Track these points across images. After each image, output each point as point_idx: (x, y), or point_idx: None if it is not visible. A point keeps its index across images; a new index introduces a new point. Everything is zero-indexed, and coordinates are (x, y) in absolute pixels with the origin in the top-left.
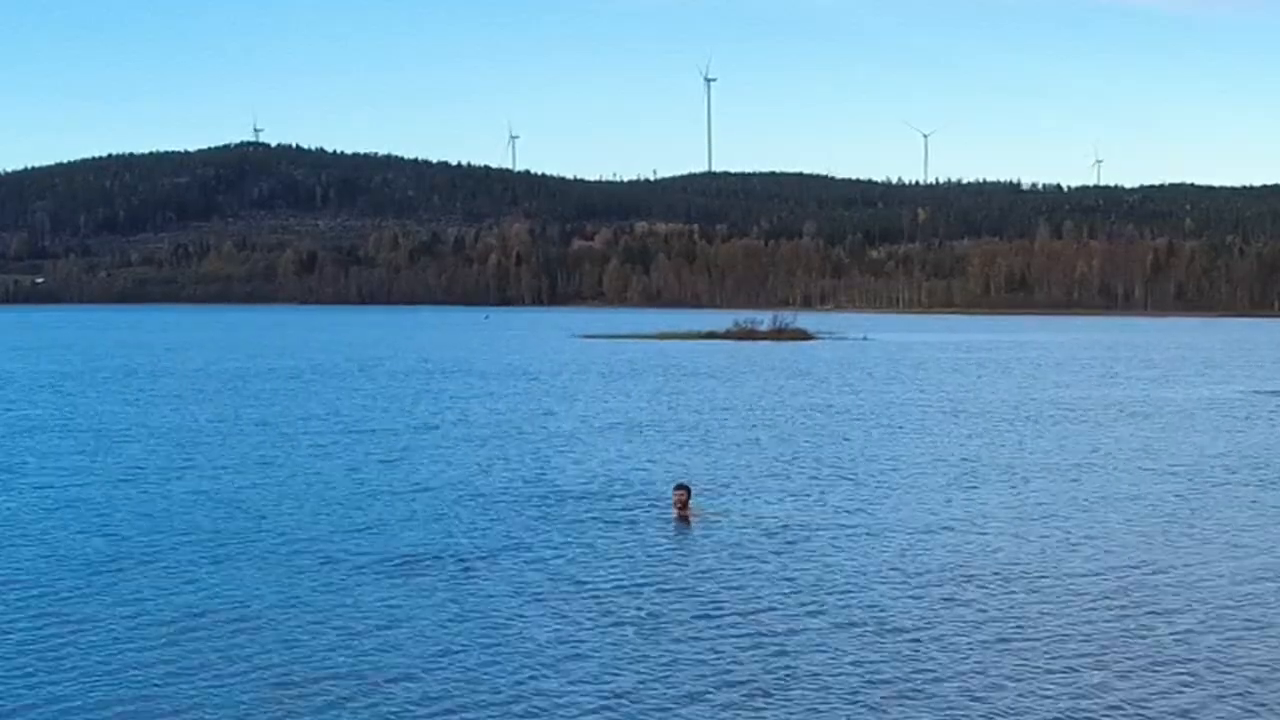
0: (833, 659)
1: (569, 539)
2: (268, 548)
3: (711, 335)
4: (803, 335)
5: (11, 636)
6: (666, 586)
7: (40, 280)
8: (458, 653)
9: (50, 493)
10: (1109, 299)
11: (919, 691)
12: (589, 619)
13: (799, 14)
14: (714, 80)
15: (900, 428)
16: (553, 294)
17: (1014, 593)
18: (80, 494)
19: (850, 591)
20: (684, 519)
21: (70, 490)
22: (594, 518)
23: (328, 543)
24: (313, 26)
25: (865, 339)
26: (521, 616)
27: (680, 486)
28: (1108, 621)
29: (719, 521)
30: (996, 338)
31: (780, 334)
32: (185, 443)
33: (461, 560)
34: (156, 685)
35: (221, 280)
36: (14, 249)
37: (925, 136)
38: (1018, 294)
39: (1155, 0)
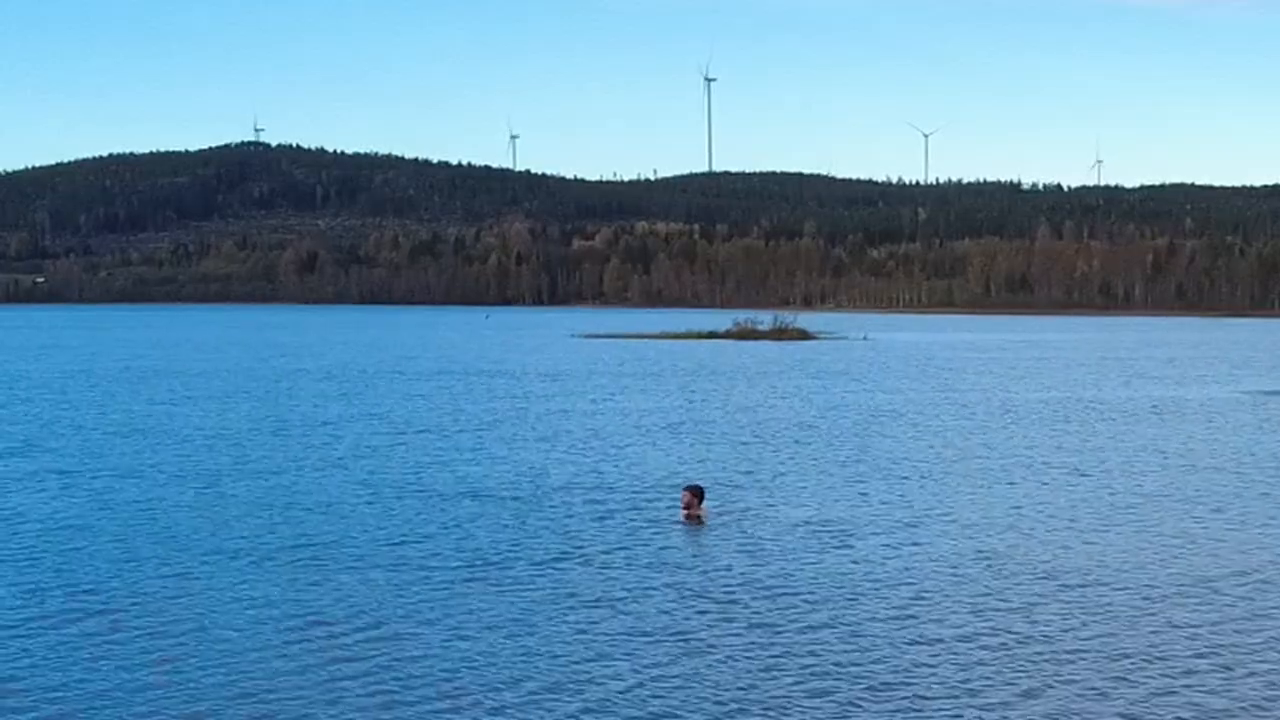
0: (925, 666)
1: (577, 543)
2: (340, 550)
3: (712, 335)
4: (803, 335)
5: (120, 642)
6: (680, 592)
7: (41, 280)
8: (527, 661)
9: (112, 495)
10: (1109, 299)
11: (1032, 695)
12: (604, 628)
13: (799, 13)
14: (714, 80)
15: (929, 426)
16: (553, 294)
17: (1106, 592)
18: (141, 496)
19: (916, 594)
20: (693, 519)
21: (131, 492)
22: (608, 519)
23: (386, 546)
24: (313, 26)
25: (866, 338)
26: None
27: (690, 488)
28: (1210, 621)
29: (731, 522)
30: (1004, 337)
31: (781, 334)
32: (237, 443)
33: (494, 565)
34: (274, 689)
35: (222, 280)
36: (14, 248)
37: (926, 136)
38: (1018, 294)
39: (1155, 0)
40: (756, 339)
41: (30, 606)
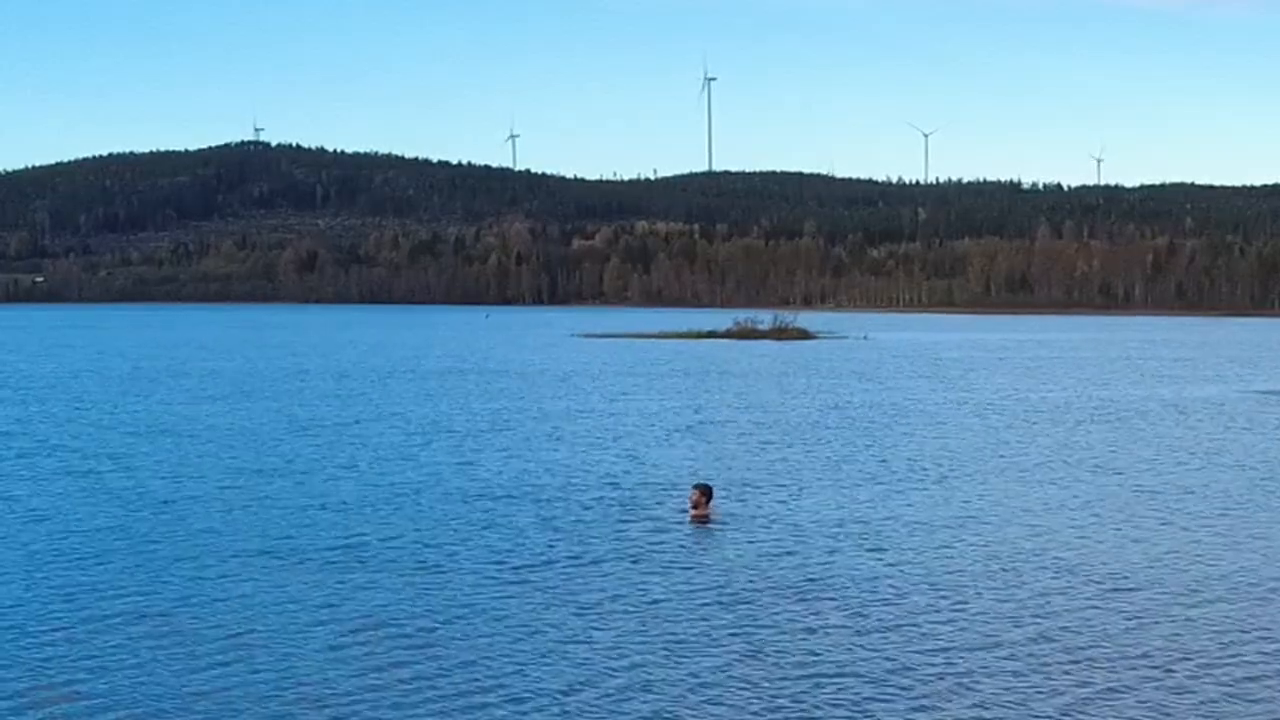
0: (978, 670)
1: (590, 544)
2: (365, 552)
3: (712, 335)
4: (803, 334)
5: (168, 646)
6: (697, 593)
7: (40, 279)
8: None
9: (142, 495)
10: (1109, 298)
11: (1093, 698)
12: (629, 631)
13: (799, 13)
14: (714, 80)
15: (943, 425)
16: (553, 293)
17: (1153, 594)
18: (176, 495)
19: (945, 594)
20: (700, 519)
21: (160, 492)
22: (620, 519)
23: (407, 548)
24: (313, 26)
25: (866, 338)
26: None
27: (699, 487)
28: (1267, 623)
29: (736, 522)
30: (1008, 336)
31: (781, 333)
32: (256, 444)
33: (513, 566)
34: (318, 691)
35: (221, 279)
36: (14, 248)
37: (926, 136)
38: (1018, 293)
39: (1155, 0)
40: (756, 338)
41: (71, 610)
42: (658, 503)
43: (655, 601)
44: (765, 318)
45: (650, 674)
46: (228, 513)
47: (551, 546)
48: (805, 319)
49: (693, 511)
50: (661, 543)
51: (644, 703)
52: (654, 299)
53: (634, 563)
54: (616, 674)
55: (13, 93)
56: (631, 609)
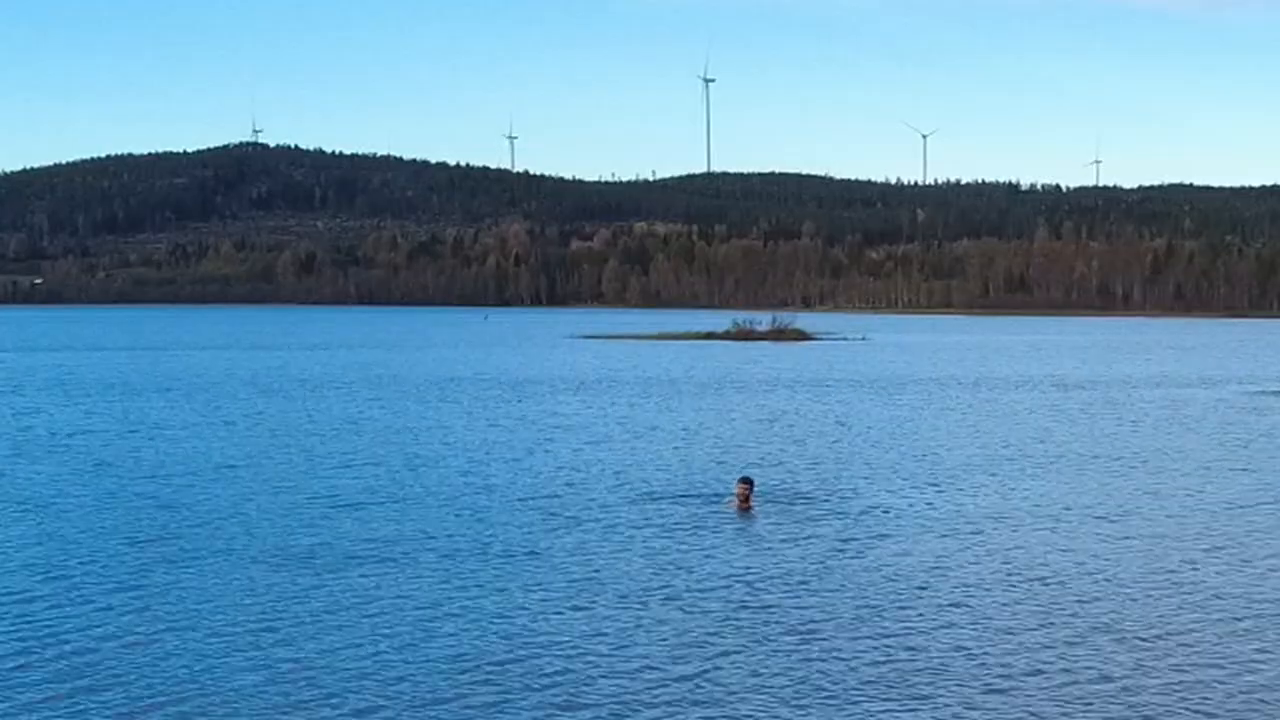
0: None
1: (640, 536)
2: (419, 547)
3: (710, 336)
4: (802, 336)
5: (245, 651)
6: (753, 582)
7: (39, 281)
8: (588, 653)
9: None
10: (1108, 299)
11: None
12: (677, 619)
13: (799, 13)
14: (713, 81)
15: (974, 428)
16: (551, 294)
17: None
18: (219, 495)
19: (988, 590)
20: (746, 510)
21: (212, 491)
22: (666, 516)
23: (449, 541)
24: (313, 26)
25: (864, 339)
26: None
27: (744, 480)
28: None
29: (782, 511)
30: (1016, 339)
31: (779, 334)
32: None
33: (556, 558)
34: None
35: (220, 281)
36: (13, 250)
37: (924, 137)
38: (1016, 294)
39: (1156, 1)
40: (755, 340)
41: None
42: (704, 495)
43: (701, 593)
44: (764, 319)
45: (702, 642)
46: (297, 514)
47: (602, 538)
48: (804, 320)
49: (739, 503)
50: (714, 525)
51: (684, 687)
52: (652, 300)
53: (681, 551)
54: (662, 660)
55: (11, 94)
56: (678, 597)
